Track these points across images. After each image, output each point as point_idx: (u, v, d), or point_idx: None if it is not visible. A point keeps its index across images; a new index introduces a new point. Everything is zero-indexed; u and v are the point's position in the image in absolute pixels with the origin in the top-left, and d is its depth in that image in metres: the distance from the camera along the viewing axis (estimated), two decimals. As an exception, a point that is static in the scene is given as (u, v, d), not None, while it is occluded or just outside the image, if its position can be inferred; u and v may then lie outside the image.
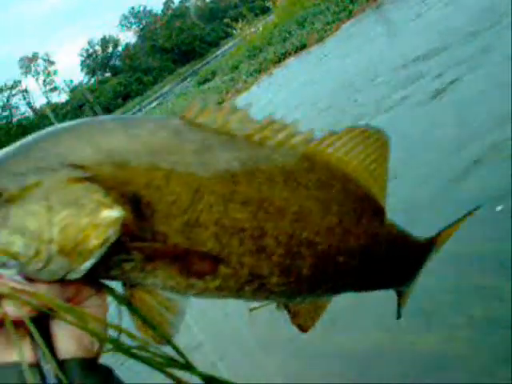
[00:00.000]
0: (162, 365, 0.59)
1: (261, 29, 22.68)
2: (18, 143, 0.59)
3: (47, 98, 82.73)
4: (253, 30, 24.29)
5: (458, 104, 4.82)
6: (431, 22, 8.56)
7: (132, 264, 0.59)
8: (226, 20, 33.46)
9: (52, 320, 0.57)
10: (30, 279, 0.55)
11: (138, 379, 0.61)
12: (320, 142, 0.68)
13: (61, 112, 71.14)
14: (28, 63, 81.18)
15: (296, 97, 9.53)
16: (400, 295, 0.88)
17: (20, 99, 78.76)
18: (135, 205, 0.58)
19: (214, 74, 22.18)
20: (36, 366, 0.54)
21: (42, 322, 0.56)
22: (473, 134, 3.91)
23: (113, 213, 0.56)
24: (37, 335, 0.54)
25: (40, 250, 0.54)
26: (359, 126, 0.71)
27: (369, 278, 0.77)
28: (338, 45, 12.77)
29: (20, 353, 0.54)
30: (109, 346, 0.59)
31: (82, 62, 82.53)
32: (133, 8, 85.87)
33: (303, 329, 0.76)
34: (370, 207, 0.73)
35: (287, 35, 17.56)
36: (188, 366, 0.61)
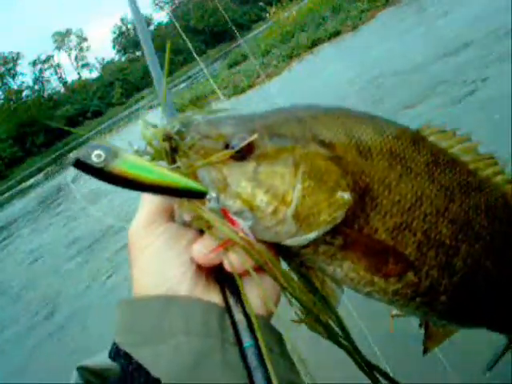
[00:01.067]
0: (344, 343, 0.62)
1: (294, 13, 22.36)
2: (282, 110, 0.66)
3: (79, 73, 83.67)
4: (286, 14, 23.99)
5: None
6: (474, 13, 8.27)
7: (328, 247, 0.62)
8: (260, 3, 33.12)
9: (244, 278, 0.60)
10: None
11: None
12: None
13: (91, 88, 71.87)
14: (61, 38, 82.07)
15: (326, 85, 9.36)
16: (508, 345, 0.90)
17: (52, 74, 79.85)
18: (363, 195, 0.62)
19: (244, 57, 22.03)
20: (223, 312, 0.58)
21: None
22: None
23: (345, 195, 0.60)
24: (242, 287, 0.59)
25: (278, 209, 0.58)
26: None
27: (501, 318, 0.79)
28: (373, 33, 12.50)
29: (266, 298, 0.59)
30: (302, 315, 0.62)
31: (114, 40, 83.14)
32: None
33: (426, 351, 0.81)
34: None
35: (321, 21, 17.28)
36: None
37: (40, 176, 34.52)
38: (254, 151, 0.59)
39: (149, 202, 0.63)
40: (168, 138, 0.59)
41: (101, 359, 0.56)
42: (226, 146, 0.59)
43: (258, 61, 17.90)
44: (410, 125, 0.72)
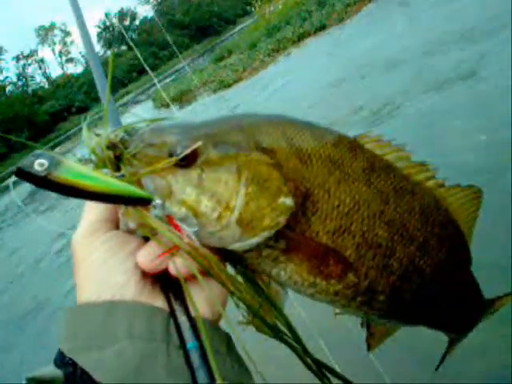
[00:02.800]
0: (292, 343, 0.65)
1: (280, 7, 22.31)
2: (225, 118, 0.67)
3: (63, 68, 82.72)
4: (272, 8, 23.92)
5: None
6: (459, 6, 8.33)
7: (271, 251, 0.64)
8: (245, -3, 32.94)
9: (190, 283, 0.61)
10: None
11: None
12: (447, 191, 0.76)
13: (76, 83, 71.14)
14: (45, 33, 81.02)
15: (314, 78, 9.37)
16: (451, 343, 0.94)
17: (36, 69, 78.86)
18: (304, 200, 0.64)
19: (230, 51, 21.94)
20: (169, 315, 0.59)
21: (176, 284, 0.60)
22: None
23: (288, 201, 0.62)
24: (188, 290, 0.59)
25: (222, 215, 0.59)
26: (474, 185, 0.80)
27: (439, 316, 0.83)
28: (358, 27, 12.52)
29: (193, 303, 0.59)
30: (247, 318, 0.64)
31: (99, 34, 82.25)
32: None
33: (370, 348, 0.85)
34: (468, 254, 0.82)
35: (307, 15, 17.26)
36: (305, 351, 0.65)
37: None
38: (198, 159, 0.60)
39: (92, 211, 0.63)
40: (112, 146, 0.60)
41: (49, 369, 0.56)
42: (170, 154, 0.60)
43: (244, 55, 17.85)
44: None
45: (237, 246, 0.61)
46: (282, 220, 0.61)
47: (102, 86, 1.06)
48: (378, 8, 13.32)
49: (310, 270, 0.65)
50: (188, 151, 0.60)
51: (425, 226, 0.73)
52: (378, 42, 9.20)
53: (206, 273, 0.60)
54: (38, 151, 0.55)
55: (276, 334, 0.63)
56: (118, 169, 0.60)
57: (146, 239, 0.62)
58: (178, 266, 0.59)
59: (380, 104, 5.94)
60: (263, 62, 15.32)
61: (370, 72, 7.59)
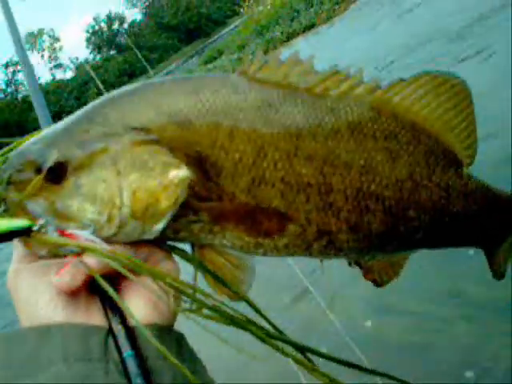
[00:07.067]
0: (244, 323, 0.58)
1: (269, 7, 22.32)
2: (80, 111, 0.60)
3: (52, 74, 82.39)
4: (260, 8, 23.94)
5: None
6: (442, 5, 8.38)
7: (200, 225, 0.60)
8: (233, -2, 32.93)
9: (125, 285, 0.57)
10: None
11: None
12: (386, 91, 0.65)
13: (66, 89, 70.87)
14: (33, 39, 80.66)
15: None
16: (491, 256, 0.79)
17: (25, 75, 78.35)
18: (201, 165, 0.58)
19: (220, 52, 21.93)
20: (108, 331, 0.55)
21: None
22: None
23: (180, 172, 0.57)
24: (114, 294, 0.54)
25: (112, 215, 0.55)
26: (430, 72, 0.66)
27: (445, 234, 0.72)
28: (346, 25, 12.57)
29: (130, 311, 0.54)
30: (185, 307, 0.58)
31: (88, 39, 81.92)
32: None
33: (378, 284, 0.74)
34: (444, 159, 0.68)
35: (295, 14, 17.30)
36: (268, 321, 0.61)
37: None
38: (67, 166, 0.56)
39: (18, 245, 0.61)
40: None
41: None
42: (39, 170, 0.56)
43: (234, 56, 17.85)
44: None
45: (148, 236, 0.58)
46: (181, 194, 0.57)
47: (43, 116, 0.99)
48: (366, 5, 13.36)
49: (247, 232, 0.60)
50: (49, 165, 0.56)
51: (362, 145, 0.63)
52: (365, 41, 9.24)
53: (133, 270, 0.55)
54: None
55: (229, 319, 0.57)
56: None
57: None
58: (92, 266, 0.54)
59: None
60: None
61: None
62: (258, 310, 0.62)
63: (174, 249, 0.63)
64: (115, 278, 0.57)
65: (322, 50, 11.14)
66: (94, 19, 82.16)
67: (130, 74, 68.62)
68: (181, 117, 0.58)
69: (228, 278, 0.61)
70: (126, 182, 0.55)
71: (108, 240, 0.56)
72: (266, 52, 15.64)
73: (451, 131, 0.67)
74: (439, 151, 0.68)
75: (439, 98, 0.66)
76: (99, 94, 0.73)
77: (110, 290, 0.54)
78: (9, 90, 76.01)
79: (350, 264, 0.74)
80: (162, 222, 0.57)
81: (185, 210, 0.58)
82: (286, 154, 0.60)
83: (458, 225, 0.71)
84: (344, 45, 10.09)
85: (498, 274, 0.80)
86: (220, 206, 0.59)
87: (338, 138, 0.62)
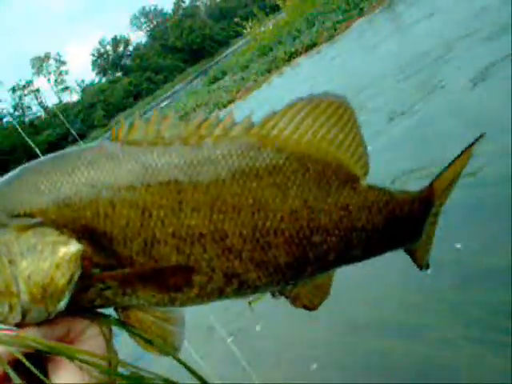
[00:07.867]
0: None
1: (271, 27, 22.62)
2: None
3: (59, 97, 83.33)
4: (263, 28, 24.24)
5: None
6: (442, 23, 8.48)
7: (112, 291, 0.60)
8: (236, 19, 33.41)
9: (49, 362, 0.57)
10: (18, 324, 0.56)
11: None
12: (262, 127, 0.63)
13: (72, 111, 71.59)
14: (40, 63, 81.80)
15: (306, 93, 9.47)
16: (412, 253, 0.79)
17: (32, 99, 79.42)
18: (91, 237, 0.59)
19: (224, 73, 22.18)
20: None
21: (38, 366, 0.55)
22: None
23: (70, 248, 0.57)
24: (36, 371, 0.54)
25: (13, 304, 0.55)
26: (302, 98, 0.65)
27: (360, 248, 0.71)
28: (348, 44, 12.71)
29: None
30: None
31: (94, 62, 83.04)
32: (143, 8, 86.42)
33: (310, 308, 0.73)
34: (337, 179, 0.67)
35: (297, 34, 17.50)
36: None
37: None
38: None
39: None
40: None
41: None
42: None
43: (237, 76, 18.05)
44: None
45: (55, 314, 0.57)
46: (76, 268, 0.57)
47: None
48: (367, 25, 13.52)
49: (157, 290, 0.61)
50: None
51: (244, 184, 0.62)
52: (366, 60, 9.35)
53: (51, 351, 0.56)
54: None
55: None
56: None
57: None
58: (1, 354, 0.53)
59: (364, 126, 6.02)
60: (257, 82, 15.52)
61: (358, 91, 7.71)
62: (186, 366, 0.64)
63: (96, 315, 0.63)
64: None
65: (322, 67, 11.26)
66: (100, 43, 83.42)
67: (136, 95, 69.34)
68: (60, 195, 0.59)
69: (159, 333, 0.63)
70: (19, 269, 0.56)
71: (18, 325, 0.56)
72: (269, 71, 15.86)
73: (338, 149, 0.67)
74: (330, 172, 0.66)
75: (317, 120, 0.65)
76: (105, 115, 0.75)
77: (37, 373, 0.54)
78: (16, 113, 76.88)
79: (273, 295, 0.73)
80: (64, 299, 0.57)
81: (90, 280, 0.59)
82: (171, 210, 0.60)
83: (369, 236, 0.71)
84: (344, 63, 10.19)
85: (425, 265, 0.81)
86: (121, 272, 0.60)
87: (220, 184, 0.61)
